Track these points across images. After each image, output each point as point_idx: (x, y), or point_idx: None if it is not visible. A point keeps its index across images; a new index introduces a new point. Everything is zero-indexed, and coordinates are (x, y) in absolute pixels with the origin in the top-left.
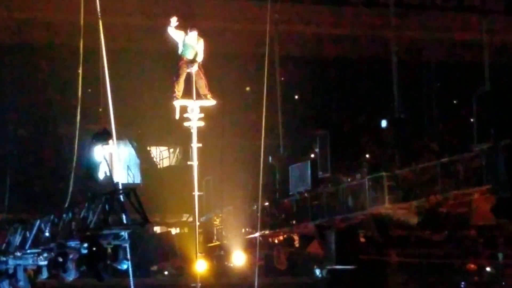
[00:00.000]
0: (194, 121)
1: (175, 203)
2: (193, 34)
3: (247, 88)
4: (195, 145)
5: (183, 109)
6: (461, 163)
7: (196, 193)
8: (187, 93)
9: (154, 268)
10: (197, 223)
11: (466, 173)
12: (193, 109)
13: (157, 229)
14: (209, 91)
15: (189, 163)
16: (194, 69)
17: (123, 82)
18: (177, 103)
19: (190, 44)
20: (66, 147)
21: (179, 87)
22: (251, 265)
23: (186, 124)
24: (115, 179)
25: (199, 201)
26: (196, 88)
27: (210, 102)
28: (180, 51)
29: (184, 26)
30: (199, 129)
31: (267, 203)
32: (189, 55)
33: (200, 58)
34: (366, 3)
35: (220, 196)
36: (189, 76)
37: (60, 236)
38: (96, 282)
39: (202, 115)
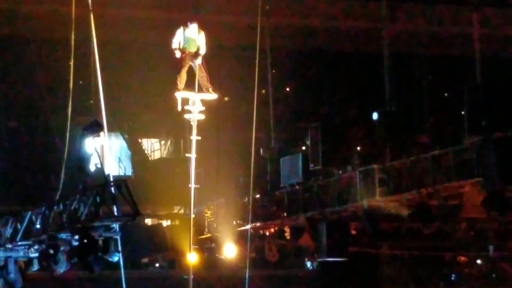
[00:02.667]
0: (195, 114)
1: (166, 195)
2: (194, 27)
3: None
4: (194, 137)
5: (184, 102)
6: (452, 156)
7: (192, 185)
8: (189, 86)
9: (145, 260)
10: (192, 215)
11: (457, 166)
12: (194, 102)
13: (148, 221)
14: (211, 85)
15: (187, 155)
16: (198, 61)
17: (115, 74)
18: (179, 95)
19: (191, 37)
20: (57, 139)
21: (181, 79)
22: (242, 257)
23: (186, 116)
24: (106, 171)
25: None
26: (198, 81)
27: (212, 95)
28: (182, 45)
29: (183, 19)
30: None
31: (258, 196)
32: (191, 48)
33: (203, 51)
34: None
35: (212, 189)
36: (191, 69)
37: (51, 228)
38: (87, 274)
39: (203, 108)
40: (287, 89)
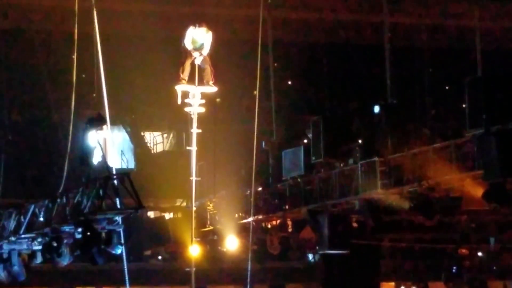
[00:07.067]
0: (195, 107)
1: (168, 188)
2: (202, 29)
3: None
4: (195, 130)
5: (185, 95)
6: (453, 149)
7: (193, 178)
8: (190, 79)
9: (148, 252)
10: (194, 208)
11: (458, 159)
12: (195, 95)
13: (151, 214)
14: (213, 79)
15: (188, 148)
16: (198, 61)
17: (117, 67)
18: (179, 88)
19: (198, 38)
20: (61, 132)
21: (185, 72)
22: (244, 250)
23: (186, 109)
24: (109, 164)
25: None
26: (201, 75)
27: (212, 88)
28: (188, 44)
29: (192, 19)
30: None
31: (260, 188)
32: (196, 47)
33: (206, 51)
34: None
35: (214, 181)
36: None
37: (55, 221)
38: (90, 266)
39: (203, 101)
40: (289, 82)
